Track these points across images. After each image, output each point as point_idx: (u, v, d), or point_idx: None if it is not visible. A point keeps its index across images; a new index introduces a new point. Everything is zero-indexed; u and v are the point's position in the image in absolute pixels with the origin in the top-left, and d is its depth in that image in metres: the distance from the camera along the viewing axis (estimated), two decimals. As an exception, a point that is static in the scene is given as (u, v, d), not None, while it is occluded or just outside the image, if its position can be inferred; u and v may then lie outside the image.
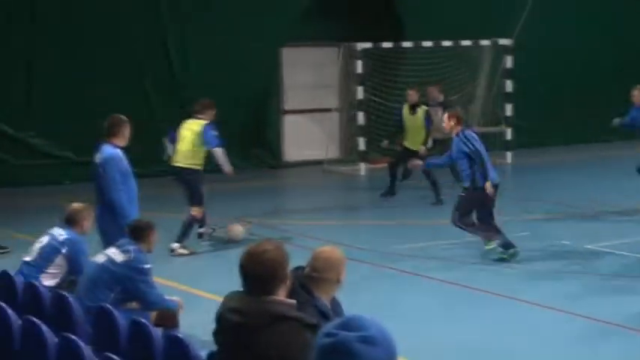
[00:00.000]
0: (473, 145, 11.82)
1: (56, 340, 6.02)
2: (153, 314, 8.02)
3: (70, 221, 8.90)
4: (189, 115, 13.21)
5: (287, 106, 21.09)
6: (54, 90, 18.15)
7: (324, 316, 5.20)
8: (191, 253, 12.69)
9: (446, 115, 12.35)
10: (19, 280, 8.16)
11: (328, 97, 20.94)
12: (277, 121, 20.92)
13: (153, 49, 19.07)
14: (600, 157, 15.51)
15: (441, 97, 17.00)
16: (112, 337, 6.52)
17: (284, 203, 17.66)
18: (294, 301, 4.78)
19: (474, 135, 12.10)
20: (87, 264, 8.44)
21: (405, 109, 16.61)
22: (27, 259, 8.79)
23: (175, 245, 12.60)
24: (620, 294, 10.55)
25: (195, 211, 12.81)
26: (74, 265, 8.64)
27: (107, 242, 8.99)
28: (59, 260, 8.67)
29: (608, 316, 9.57)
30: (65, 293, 7.40)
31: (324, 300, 5.45)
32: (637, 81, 16.38)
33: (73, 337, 5.87)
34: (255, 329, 4.58)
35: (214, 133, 12.80)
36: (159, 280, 9.11)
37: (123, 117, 9.86)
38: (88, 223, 9.05)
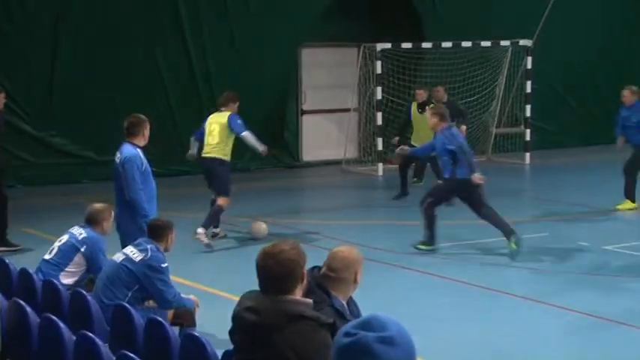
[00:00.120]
0: (457, 141, 11.96)
1: (74, 337, 6.06)
2: (170, 313, 8.05)
3: (91, 221, 8.94)
4: (215, 110, 13.38)
5: (305, 107, 21.09)
6: (75, 89, 18.21)
7: (341, 316, 5.19)
8: (208, 246, 12.69)
9: (429, 112, 12.47)
10: (38, 278, 8.22)
11: (347, 97, 20.92)
12: (296, 121, 20.95)
13: (173, 49, 19.11)
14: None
15: (445, 98, 16.99)
16: (129, 336, 6.55)
17: (302, 203, 17.67)
18: (310, 301, 4.77)
19: (458, 131, 12.40)
20: (105, 263, 8.49)
21: (414, 108, 16.70)
22: (46, 257, 8.83)
23: (200, 230, 12.60)
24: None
25: (222, 201, 12.87)
26: (92, 263, 8.68)
27: (126, 241, 9.02)
28: (78, 259, 8.71)
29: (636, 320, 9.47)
30: (83, 291, 7.45)
31: (341, 300, 5.45)
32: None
33: (91, 334, 5.90)
34: (271, 329, 4.58)
35: (240, 121, 12.96)
36: (176, 279, 9.15)
37: (142, 116, 9.85)
38: (109, 223, 9.08)
